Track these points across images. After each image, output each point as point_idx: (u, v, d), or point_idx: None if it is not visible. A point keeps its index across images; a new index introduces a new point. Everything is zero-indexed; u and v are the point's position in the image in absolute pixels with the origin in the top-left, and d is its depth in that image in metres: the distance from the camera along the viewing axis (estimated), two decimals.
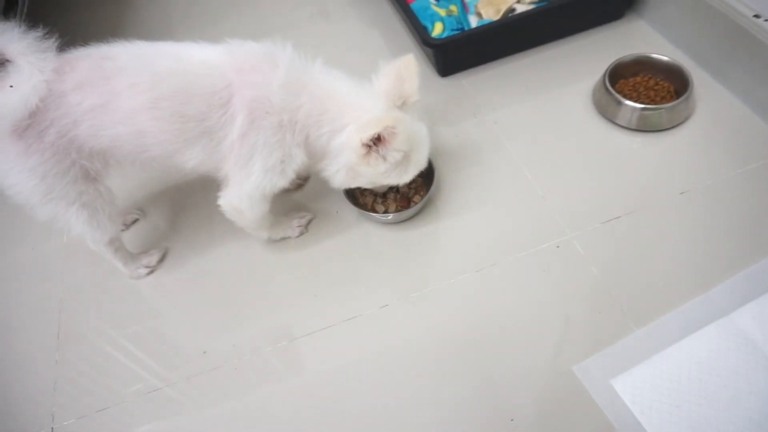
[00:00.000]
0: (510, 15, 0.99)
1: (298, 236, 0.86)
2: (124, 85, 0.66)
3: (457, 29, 1.01)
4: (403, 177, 0.74)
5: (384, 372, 0.71)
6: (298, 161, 0.72)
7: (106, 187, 0.75)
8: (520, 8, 0.99)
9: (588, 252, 0.77)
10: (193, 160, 0.72)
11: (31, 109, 0.63)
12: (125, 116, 0.67)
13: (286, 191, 0.86)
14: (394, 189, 0.86)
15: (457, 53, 1.01)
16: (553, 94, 0.99)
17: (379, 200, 0.86)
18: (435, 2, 1.09)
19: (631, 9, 1.08)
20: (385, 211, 0.84)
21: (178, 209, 0.94)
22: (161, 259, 0.87)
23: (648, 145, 0.88)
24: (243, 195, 0.74)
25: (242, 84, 0.68)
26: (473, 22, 1.03)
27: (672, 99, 0.90)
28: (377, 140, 0.67)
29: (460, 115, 0.99)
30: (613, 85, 0.93)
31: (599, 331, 0.70)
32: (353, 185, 0.77)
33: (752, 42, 0.84)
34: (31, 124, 0.64)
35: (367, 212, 0.84)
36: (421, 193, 0.86)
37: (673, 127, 0.89)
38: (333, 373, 0.72)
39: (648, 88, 0.93)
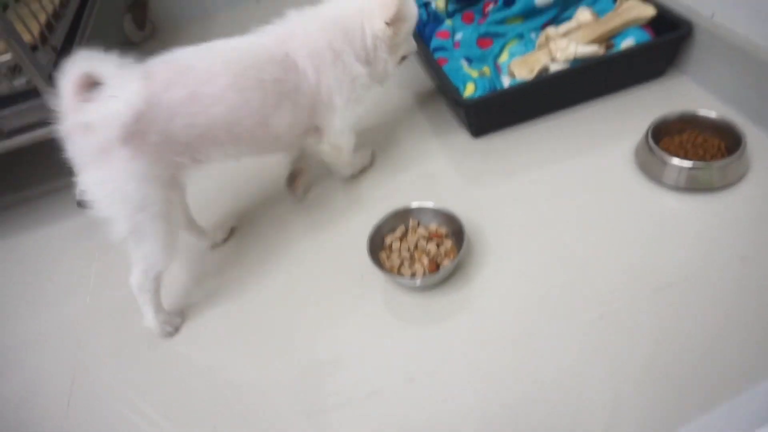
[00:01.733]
0: (544, 74, 0.97)
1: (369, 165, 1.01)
2: (203, 75, 0.75)
3: (490, 90, 1.00)
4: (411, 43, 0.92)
5: None
6: (362, 76, 0.86)
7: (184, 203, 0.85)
8: (555, 67, 0.97)
9: (636, 324, 0.70)
10: (282, 124, 0.82)
11: (137, 113, 0.67)
12: (215, 98, 0.75)
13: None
14: (424, 250, 0.82)
15: (489, 113, 0.99)
16: (592, 154, 0.94)
17: (407, 264, 0.82)
18: (467, 64, 1.09)
19: (673, 65, 1.04)
20: (413, 275, 0.79)
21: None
22: (180, 325, 0.85)
23: (699, 206, 0.82)
24: (338, 132, 0.88)
25: (295, 48, 0.81)
26: (506, 82, 1.02)
27: (723, 156, 0.84)
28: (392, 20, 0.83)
29: (493, 177, 0.95)
30: (657, 143, 0.88)
31: (652, 416, 0.61)
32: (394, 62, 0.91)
33: None
34: (134, 130, 0.68)
35: (394, 276, 0.79)
36: (451, 257, 0.81)
37: (725, 187, 0.82)
38: None
39: (696, 146, 0.87)
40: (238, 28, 0.84)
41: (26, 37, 0.89)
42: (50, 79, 0.90)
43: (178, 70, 0.75)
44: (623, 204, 0.85)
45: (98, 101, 0.66)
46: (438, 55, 1.08)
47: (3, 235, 1.10)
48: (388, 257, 0.83)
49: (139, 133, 0.69)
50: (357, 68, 0.86)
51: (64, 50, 0.99)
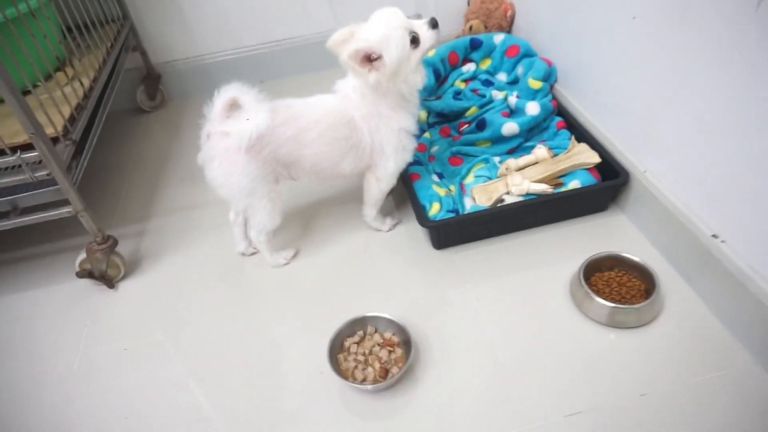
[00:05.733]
0: (500, 204, 1.12)
1: (387, 230, 1.21)
2: (305, 124, 1.01)
3: (453, 210, 1.14)
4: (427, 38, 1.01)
5: None
6: (403, 123, 1.05)
7: (282, 192, 1.08)
8: (509, 199, 1.11)
9: None
10: (349, 167, 1.08)
11: (260, 134, 0.95)
12: (307, 144, 1.02)
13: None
14: (376, 356, 0.94)
15: (449, 233, 1.13)
16: (534, 276, 1.07)
17: (360, 367, 0.93)
18: (438, 179, 1.24)
19: (615, 203, 1.19)
20: (364, 380, 0.91)
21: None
22: (294, 256, 1.17)
23: (616, 341, 0.94)
24: (386, 172, 1.10)
25: (355, 114, 1.04)
26: (468, 204, 1.16)
27: (642, 298, 0.97)
28: (367, 60, 0.97)
29: (448, 287, 1.08)
30: (590, 276, 1.01)
31: None
32: (408, 81, 1.03)
33: (711, 258, 0.93)
34: (255, 145, 0.96)
35: (347, 381, 0.91)
36: (400, 364, 0.93)
37: (641, 326, 0.96)
38: None
39: (621, 284, 1.01)
40: None
41: (49, 131, 1.01)
42: (68, 171, 1.02)
43: (292, 115, 1.01)
44: (553, 330, 0.97)
45: (237, 119, 0.96)
46: (412, 170, 1.22)
47: (11, 287, 1.20)
48: (345, 359, 0.95)
49: (256, 147, 0.97)
50: (398, 120, 1.05)
51: (82, 140, 1.12)
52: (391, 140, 1.06)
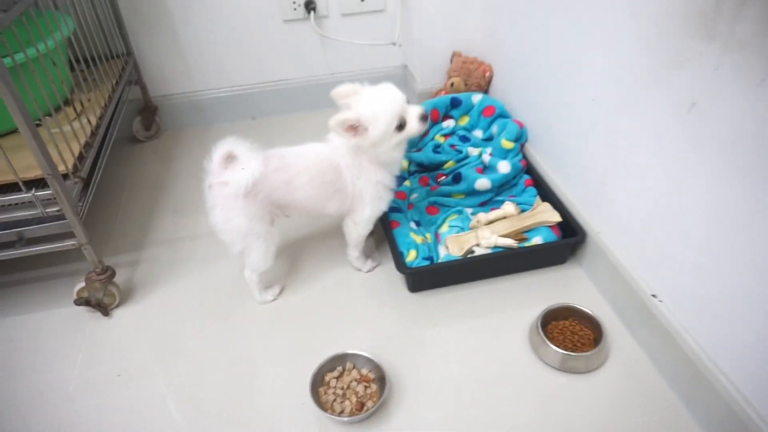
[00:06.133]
0: (470, 255, 1.24)
1: (367, 271, 1.32)
2: (295, 171, 1.13)
3: (428, 257, 1.26)
4: (413, 124, 1.13)
5: None
6: (381, 177, 1.17)
7: (276, 234, 1.19)
8: (479, 251, 1.24)
9: None
10: (333, 208, 1.20)
11: (255, 181, 1.06)
12: (299, 187, 1.14)
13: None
14: (354, 391, 1.04)
15: (423, 279, 1.24)
16: (498, 320, 1.19)
17: (339, 399, 1.03)
18: (415, 226, 1.35)
19: (573, 256, 1.33)
20: (341, 413, 1.00)
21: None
22: (281, 292, 1.27)
23: (567, 384, 1.06)
24: (363, 217, 1.21)
25: (341, 161, 1.15)
26: (442, 252, 1.28)
27: (591, 346, 1.10)
28: (352, 128, 1.08)
29: (420, 328, 1.19)
30: (547, 323, 1.14)
31: None
32: (387, 154, 1.15)
33: (650, 314, 1.06)
34: (251, 190, 1.07)
35: (325, 413, 1.00)
36: (375, 399, 1.03)
37: (589, 372, 1.08)
38: None
39: (573, 333, 1.14)
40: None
41: (60, 168, 1.09)
42: (76, 207, 1.11)
43: (284, 163, 1.13)
44: (512, 372, 1.09)
45: (233, 169, 1.07)
46: (392, 217, 1.34)
47: (10, 310, 1.27)
48: (325, 392, 1.04)
49: (253, 192, 1.08)
50: (376, 174, 1.16)
51: (88, 176, 1.20)
52: (369, 190, 1.18)
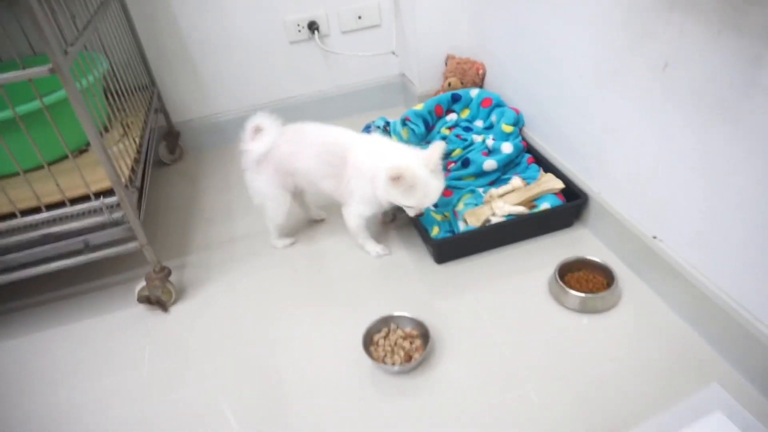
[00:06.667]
0: (487, 224, 1.39)
1: (374, 257, 1.44)
2: (306, 144, 1.31)
3: (449, 231, 1.40)
4: (409, 200, 1.23)
5: None
6: (376, 194, 1.27)
7: (289, 195, 1.40)
8: (495, 220, 1.38)
9: (542, 400, 1.05)
10: (327, 187, 1.34)
11: (266, 152, 1.30)
12: (304, 159, 1.31)
13: (382, 223, 1.46)
14: (401, 346, 1.16)
15: (449, 249, 1.38)
16: (518, 280, 1.33)
17: (389, 355, 1.15)
18: (434, 210, 1.50)
19: (578, 220, 1.48)
20: (393, 364, 1.13)
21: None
22: (292, 243, 1.52)
23: (588, 324, 1.20)
24: (350, 212, 1.36)
25: (352, 158, 1.29)
26: (461, 226, 1.42)
27: (605, 290, 1.24)
28: (396, 178, 1.18)
29: (451, 293, 1.32)
30: (562, 276, 1.28)
31: None
32: (387, 201, 1.28)
33: (653, 254, 1.21)
34: (265, 159, 1.31)
35: (378, 363, 1.13)
36: (420, 352, 1.15)
37: (605, 310, 1.22)
38: None
39: (588, 281, 1.27)
40: None
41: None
42: (137, 212, 1.24)
43: (298, 135, 1.32)
44: (538, 320, 1.22)
45: (257, 140, 1.30)
46: None
47: (70, 318, 1.39)
48: (375, 350, 1.17)
49: (265, 161, 1.31)
50: (374, 189, 1.27)
51: (141, 188, 1.34)
52: (359, 192, 1.31)
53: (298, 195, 1.50)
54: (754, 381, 1.03)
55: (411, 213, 1.28)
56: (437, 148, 1.21)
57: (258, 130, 1.31)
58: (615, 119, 1.26)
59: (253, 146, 1.31)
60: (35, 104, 1.15)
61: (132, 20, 1.72)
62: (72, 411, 1.16)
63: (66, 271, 1.26)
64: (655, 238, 1.21)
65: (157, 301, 1.34)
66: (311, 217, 1.61)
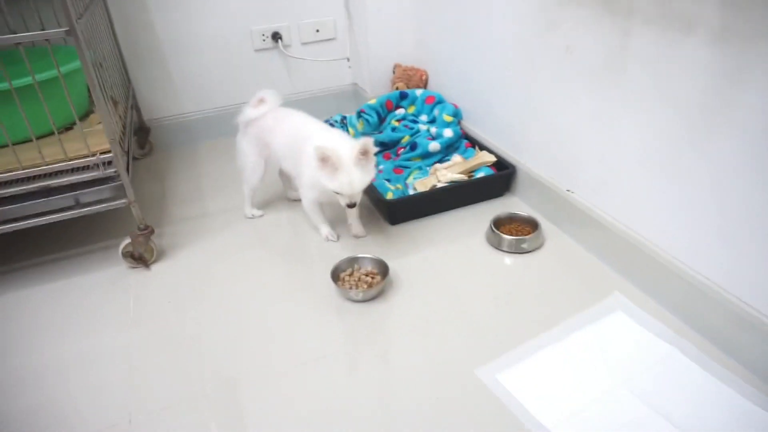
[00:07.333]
0: (434, 189, 1.63)
1: (322, 239, 1.57)
2: (282, 123, 1.53)
3: (402, 195, 1.63)
4: (332, 183, 1.32)
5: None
6: (318, 180, 1.34)
7: (264, 163, 1.59)
8: (440, 185, 1.63)
9: (480, 314, 1.27)
10: (288, 166, 1.56)
11: (250, 120, 1.55)
12: (276, 137, 1.53)
13: (345, 207, 1.41)
14: (363, 281, 1.36)
15: (400, 209, 1.61)
16: (462, 235, 1.56)
17: (354, 285, 1.34)
18: (388, 182, 1.73)
19: (509, 191, 1.75)
20: (357, 291, 1.32)
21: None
22: (261, 216, 1.69)
23: (521, 263, 1.44)
24: (302, 194, 1.53)
25: (306, 146, 1.40)
26: (411, 193, 1.65)
27: (532, 234, 1.50)
28: (322, 158, 1.30)
29: (403, 251, 1.53)
30: (497, 228, 1.52)
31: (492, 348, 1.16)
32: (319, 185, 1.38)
33: (569, 205, 1.48)
34: (249, 126, 1.56)
35: (344, 289, 1.32)
36: (381, 283, 1.35)
37: (533, 251, 1.47)
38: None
39: (517, 230, 1.53)
40: (215, 153, 1.73)
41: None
42: (127, 170, 1.40)
43: (280, 116, 1.54)
44: (478, 263, 1.45)
45: (253, 108, 1.55)
46: None
47: (59, 277, 1.49)
48: (342, 285, 1.36)
49: (249, 127, 1.56)
50: (316, 172, 1.33)
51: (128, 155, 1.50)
52: (305, 178, 1.46)
53: (284, 174, 1.70)
54: (647, 291, 1.29)
55: (342, 201, 1.36)
56: (363, 141, 1.30)
57: (261, 101, 1.54)
58: (533, 98, 1.55)
59: (249, 110, 1.54)
60: (48, 74, 1.32)
61: (112, 20, 1.90)
62: (62, 365, 1.26)
63: (53, 233, 1.38)
64: (568, 191, 1.49)
65: (140, 257, 1.48)
66: (288, 196, 1.78)
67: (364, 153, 1.31)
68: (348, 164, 1.30)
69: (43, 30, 1.16)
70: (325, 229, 1.58)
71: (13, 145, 1.27)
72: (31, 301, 1.41)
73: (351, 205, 1.37)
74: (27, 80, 1.26)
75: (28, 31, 1.40)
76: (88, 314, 1.36)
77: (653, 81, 1.14)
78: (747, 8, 0.92)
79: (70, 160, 1.33)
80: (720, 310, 1.11)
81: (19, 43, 1.15)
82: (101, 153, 1.36)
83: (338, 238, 1.58)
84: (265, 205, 1.77)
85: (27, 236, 1.50)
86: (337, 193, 1.35)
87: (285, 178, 1.73)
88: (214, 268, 1.51)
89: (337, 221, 1.63)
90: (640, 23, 1.13)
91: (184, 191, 1.92)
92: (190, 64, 2.13)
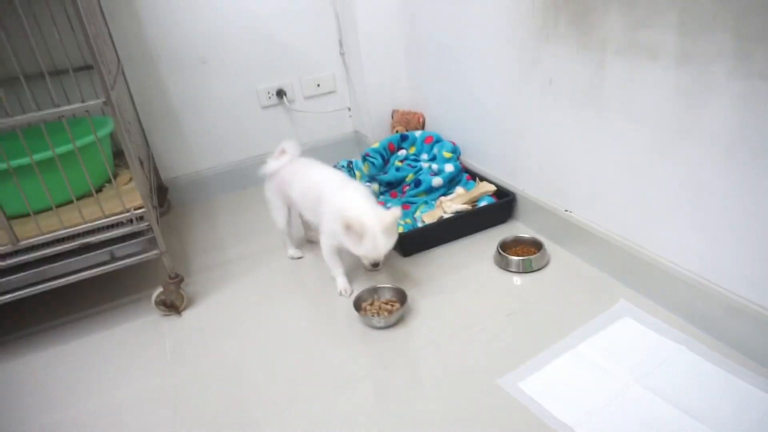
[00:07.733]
0: (441, 220, 1.74)
1: (338, 292, 1.58)
2: (297, 178, 1.62)
3: (412, 228, 1.74)
4: (358, 249, 1.39)
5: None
6: (335, 232, 1.42)
7: (288, 210, 1.71)
8: (446, 216, 1.74)
9: (494, 331, 1.35)
10: (307, 215, 1.65)
11: (275, 171, 1.67)
12: (294, 190, 1.62)
13: (367, 269, 1.62)
14: (384, 309, 1.44)
15: (412, 241, 1.71)
16: (471, 261, 1.66)
17: (375, 313, 1.43)
18: None
19: (511, 217, 1.86)
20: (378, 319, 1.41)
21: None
22: (300, 258, 1.78)
23: (529, 281, 1.54)
24: (322, 241, 1.56)
25: (324, 197, 1.50)
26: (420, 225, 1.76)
27: (537, 254, 1.59)
28: (347, 227, 1.35)
29: (418, 280, 1.62)
30: (504, 251, 1.62)
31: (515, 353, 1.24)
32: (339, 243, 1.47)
33: (568, 224, 1.59)
34: (272, 176, 1.67)
35: (365, 317, 1.41)
36: (400, 309, 1.44)
37: (540, 270, 1.56)
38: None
39: (523, 252, 1.63)
40: (230, 206, 1.85)
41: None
42: (158, 223, 1.51)
43: (295, 168, 1.65)
44: (488, 284, 1.55)
45: (275, 159, 1.68)
46: None
47: (96, 330, 1.58)
48: (364, 314, 1.44)
49: (272, 177, 1.68)
50: (335, 227, 1.41)
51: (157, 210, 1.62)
52: (326, 227, 1.51)
53: (304, 217, 1.76)
54: (649, 295, 1.38)
55: (365, 262, 1.44)
56: (394, 212, 1.37)
57: (283, 152, 1.67)
58: (524, 128, 1.68)
59: (271, 162, 1.68)
60: (86, 140, 1.46)
61: (129, 87, 2.06)
62: (109, 412, 1.34)
63: (82, 289, 1.47)
64: (567, 211, 1.60)
65: (172, 304, 1.57)
66: (308, 237, 1.88)
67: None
68: (374, 233, 1.35)
69: (83, 102, 1.27)
70: (342, 282, 1.58)
71: (56, 207, 1.39)
72: (74, 354, 1.50)
73: (375, 265, 1.44)
74: (68, 147, 1.39)
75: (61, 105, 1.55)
76: (129, 361, 1.44)
77: (628, 102, 1.28)
78: (699, 36, 1.06)
79: (107, 217, 1.45)
80: (708, 299, 1.20)
81: (62, 116, 1.29)
82: (134, 209, 1.47)
83: (351, 293, 1.57)
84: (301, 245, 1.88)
85: (58, 294, 1.59)
86: (359, 255, 1.41)
87: (305, 220, 1.83)
88: (242, 309, 1.60)
89: (354, 267, 1.72)
90: (612, 53, 1.27)
91: (204, 243, 2.03)
92: (202, 124, 2.29)
